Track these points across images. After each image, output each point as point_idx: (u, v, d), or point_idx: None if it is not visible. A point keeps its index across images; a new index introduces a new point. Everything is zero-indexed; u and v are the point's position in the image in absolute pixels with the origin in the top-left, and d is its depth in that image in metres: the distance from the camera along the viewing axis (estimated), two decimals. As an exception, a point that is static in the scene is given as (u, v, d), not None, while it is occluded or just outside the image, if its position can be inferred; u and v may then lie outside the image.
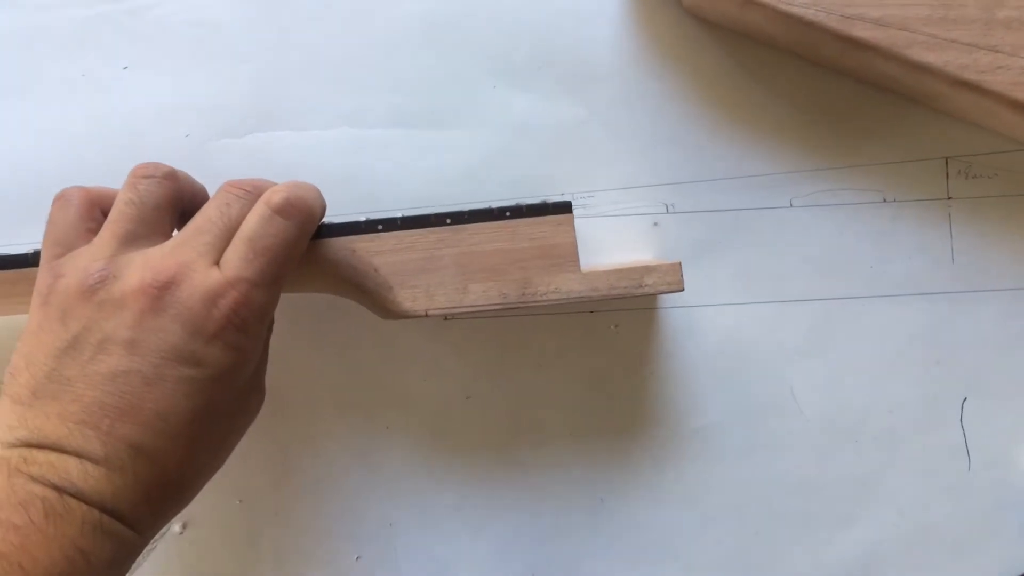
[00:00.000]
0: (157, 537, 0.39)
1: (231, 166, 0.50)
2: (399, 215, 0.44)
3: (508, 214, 0.43)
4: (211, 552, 0.50)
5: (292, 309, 0.49)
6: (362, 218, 0.43)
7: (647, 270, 0.43)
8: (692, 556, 0.50)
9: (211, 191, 0.43)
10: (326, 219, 0.43)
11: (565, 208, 0.43)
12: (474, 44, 0.50)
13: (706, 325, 0.50)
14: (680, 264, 0.43)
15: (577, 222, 0.45)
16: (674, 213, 0.50)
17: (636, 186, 0.50)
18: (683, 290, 0.43)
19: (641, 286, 0.42)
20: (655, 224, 0.50)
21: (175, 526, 0.49)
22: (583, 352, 0.50)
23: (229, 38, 0.50)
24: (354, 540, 0.50)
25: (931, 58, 0.44)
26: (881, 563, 0.50)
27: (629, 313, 0.50)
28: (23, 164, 0.50)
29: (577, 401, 0.50)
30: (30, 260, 0.43)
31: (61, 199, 0.41)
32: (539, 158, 0.50)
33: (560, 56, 0.50)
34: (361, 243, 0.43)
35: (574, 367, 0.50)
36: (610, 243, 0.50)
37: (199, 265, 0.38)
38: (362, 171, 0.50)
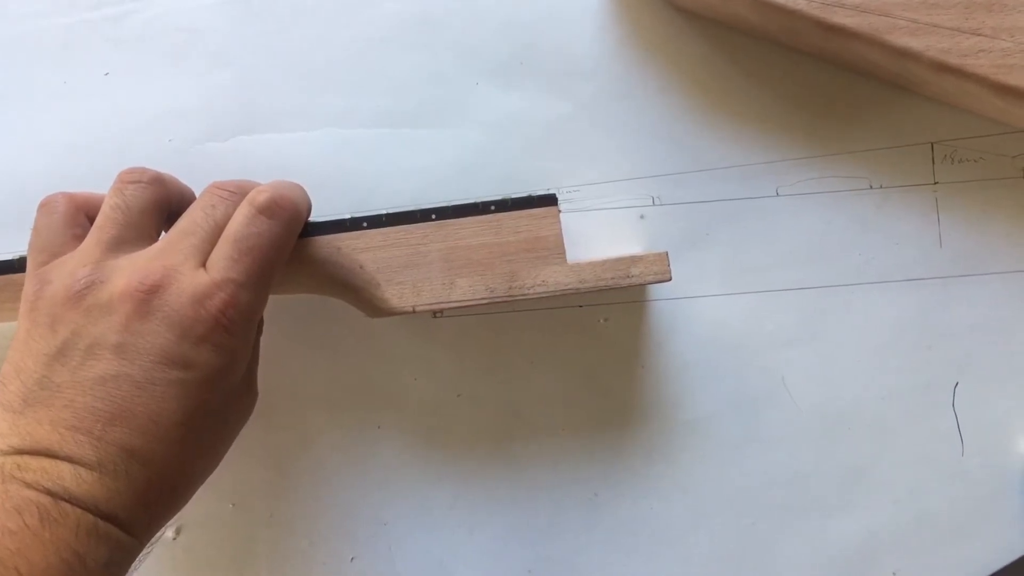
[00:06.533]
0: (153, 541, 0.39)
1: (216, 170, 0.49)
2: (384, 213, 0.44)
3: (493, 208, 0.43)
4: (205, 557, 0.50)
5: (281, 311, 0.49)
6: (347, 215, 0.43)
7: (634, 261, 0.43)
8: (687, 548, 0.50)
9: (198, 194, 0.43)
10: (311, 219, 0.43)
11: (550, 201, 0.43)
12: (457, 42, 0.50)
13: (696, 317, 0.50)
14: (667, 254, 0.43)
15: (564, 216, 0.45)
16: (661, 205, 0.50)
17: (622, 179, 0.50)
18: (670, 280, 0.43)
19: (628, 276, 0.42)
20: (642, 217, 0.50)
21: (168, 532, 0.49)
22: (573, 347, 0.50)
23: (211, 42, 0.50)
24: (348, 541, 0.50)
25: (913, 43, 0.44)
26: (877, 551, 0.50)
27: (618, 307, 0.50)
28: (7, 172, 0.50)
29: (568, 396, 0.50)
30: (16, 267, 0.43)
31: (46, 206, 0.41)
32: (525, 154, 0.50)
33: (543, 51, 0.50)
34: (346, 241, 0.43)
35: (564, 362, 0.50)
36: (597, 237, 0.50)
37: (186, 268, 0.38)
38: (348, 172, 0.50)
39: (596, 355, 0.50)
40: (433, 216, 0.43)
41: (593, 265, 0.42)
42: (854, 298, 0.50)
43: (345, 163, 0.50)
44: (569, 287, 0.42)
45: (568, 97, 0.50)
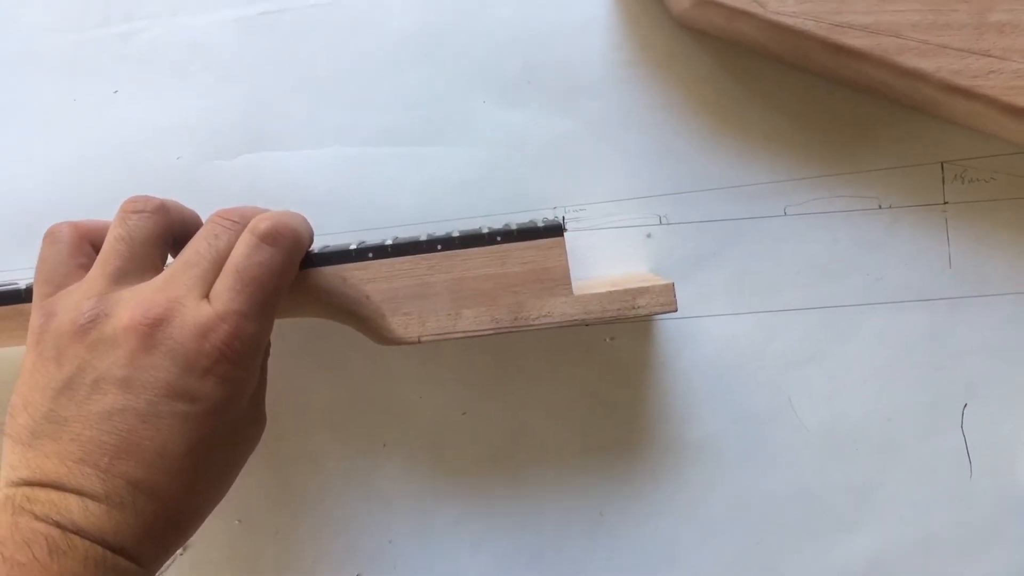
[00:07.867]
0: (162, 570, 0.39)
1: (223, 188, 0.50)
2: (390, 240, 0.44)
3: (499, 239, 0.43)
4: (211, 572, 0.50)
5: (288, 331, 0.49)
6: (352, 245, 0.43)
7: (639, 292, 0.42)
8: (693, 568, 0.50)
9: (204, 213, 0.43)
10: (317, 247, 0.43)
11: (556, 231, 0.43)
12: (463, 60, 0.50)
13: (702, 336, 0.50)
14: (673, 284, 0.42)
15: (570, 235, 0.44)
16: (667, 224, 0.50)
17: (629, 198, 0.50)
18: (676, 310, 0.42)
19: (634, 308, 0.42)
20: (648, 236, 0.50)
21: (177, 550, 0.50)
22: (579, 365, 0.50)
23: (219, 60, 0.50)
24: (354, 558, 0.50)
25: (923, 64, 0.44)
26: (883, 572, 0.50)
27: (624, 326, 0.50)
28: (15, 189, 0.50)
29: (574, 415, 0.50)
30: (23, 297, 0.43)
31: (51, 235, 0.41)
32: (531, 172, 0.50)
33: (550, 69, 0.50)
34: (352, 271, 0.43)
35: (570, 381, 0.50)
36: (603, 256, 0.50)
37: (189, 300, 0.38)
38: (354, 189, 0.50)
39: (602, 374, 0.50)
40: (439, 247, 0.43)
41: (599, 297, 0.42)
42: (862, 318, 0.50)
43: (351, 180, 0.50)
44: (574, 318, 0.42)
45: (575, 115, 0.50)
